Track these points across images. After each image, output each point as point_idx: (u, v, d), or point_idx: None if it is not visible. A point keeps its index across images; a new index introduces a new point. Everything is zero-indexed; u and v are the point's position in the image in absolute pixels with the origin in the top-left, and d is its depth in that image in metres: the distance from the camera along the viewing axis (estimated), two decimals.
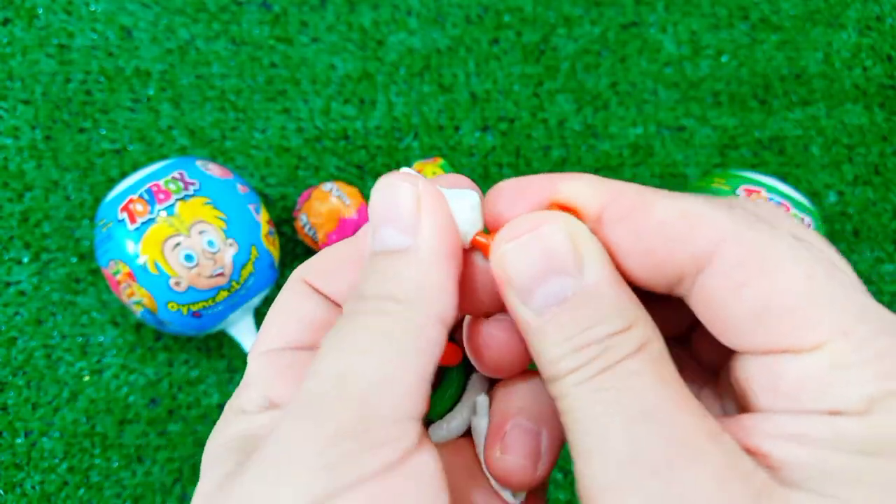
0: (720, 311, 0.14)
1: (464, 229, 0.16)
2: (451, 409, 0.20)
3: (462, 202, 0.16)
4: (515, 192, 0.16)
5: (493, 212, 0.16)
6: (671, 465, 0.12)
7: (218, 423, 0.17)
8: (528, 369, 0.20)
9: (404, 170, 0.16)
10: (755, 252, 0.14)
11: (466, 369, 0.20)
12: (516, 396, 0.19)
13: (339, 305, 0.19)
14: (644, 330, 0.14)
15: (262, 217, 0.45)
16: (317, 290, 0.18)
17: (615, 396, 0.13)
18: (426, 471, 0.14)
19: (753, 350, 0.14)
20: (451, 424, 0.19)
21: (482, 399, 0.20)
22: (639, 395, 0.13)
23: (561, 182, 0.16)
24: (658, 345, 0.14)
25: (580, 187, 0.16)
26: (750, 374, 0.14)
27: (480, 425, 0.19)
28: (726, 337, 0.14)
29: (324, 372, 0.14)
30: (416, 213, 0.15)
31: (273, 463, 0.13)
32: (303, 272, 0.19)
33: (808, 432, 0.13)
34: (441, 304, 0.15)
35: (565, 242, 0.15)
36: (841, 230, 0.55)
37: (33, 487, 0.46)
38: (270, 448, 0.14)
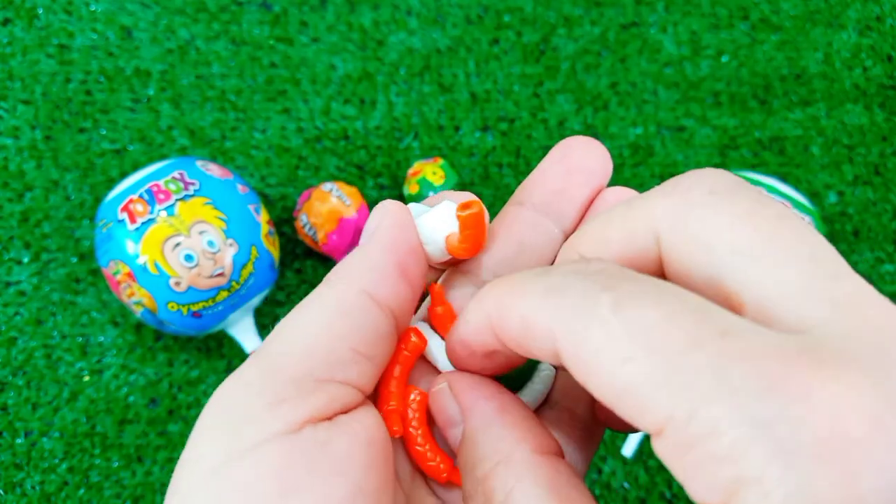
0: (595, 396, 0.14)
1: (429, 238, 0.18)
2: (524, 383, 0.20)
3: (431, 215, 0.18)
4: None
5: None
6: None
7: None
8: None
9: (412, 205, 0.19)
10: (578, 349, 0.13)
11: None
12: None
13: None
14: (514, 468, 0.15)
15: (262, 217, 0.45)
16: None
17: None
18: (359, 430, 0.16)
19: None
20: (526, 401, 0.19)
21: (546, 370, 0.20)
22: None
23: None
24: (529, 485, 0.15)
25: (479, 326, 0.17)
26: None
27: (541, 393, 0.20)
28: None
29: (267, 339, 0.17)
30: (376, 224, 0.18)
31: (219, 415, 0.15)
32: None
33: None
34: (366, 279, 0.17)
35: (448, 400, 0.17)
36: (841, 230, 0.55)
37: (33, 487, 0.46)
38: (212, 401, 0.16)
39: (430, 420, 0.19)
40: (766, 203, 0.14)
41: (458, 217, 0.17)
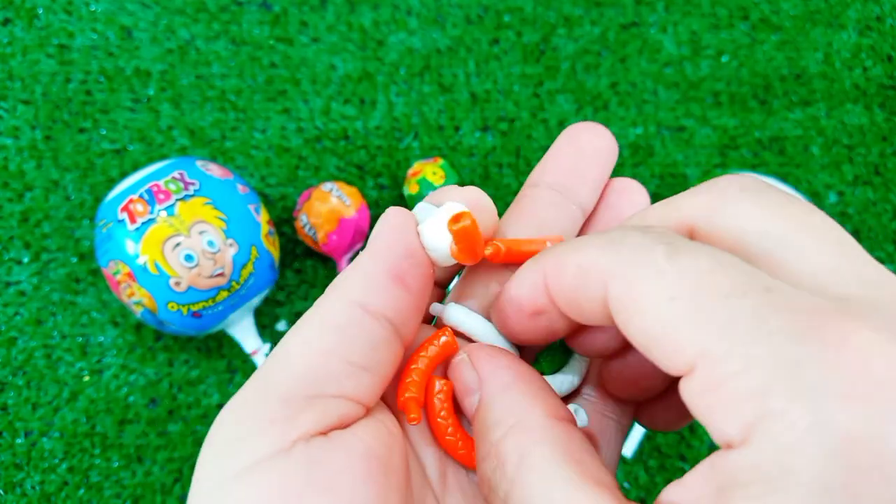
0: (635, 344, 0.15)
1: (431, 245, 0.18)
2: (558, 369, 0.20)
3: (430, 223, 0.18)
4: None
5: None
6: None
7: None
8: None
9: (419, 205, 0.19)
10: (628, 290, 0.14)
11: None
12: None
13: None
14: (528, 432, 0.15)
15: (262, 217, 0.45)
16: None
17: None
18: (358, 445, 0.16)
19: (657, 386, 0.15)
20: (555, 385, 0.20)
21: (579, 360, 0.20)
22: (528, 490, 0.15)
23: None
24: (544, 448, 0.15)
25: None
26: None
27: (572, 382, 0.20)
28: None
29: (271, 354, 0.17)
30: (374, 233, 0.18)
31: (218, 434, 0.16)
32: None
33: (698, 488, 0.13)
34: (356, 289, 0.17)
35: (467, 369, 0.18)
36: None
37: (33, 487, 0.46)
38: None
39: (458, 410, 0.19)
40: (795, 199, 0.15)
41: (450, 230, 0.17)
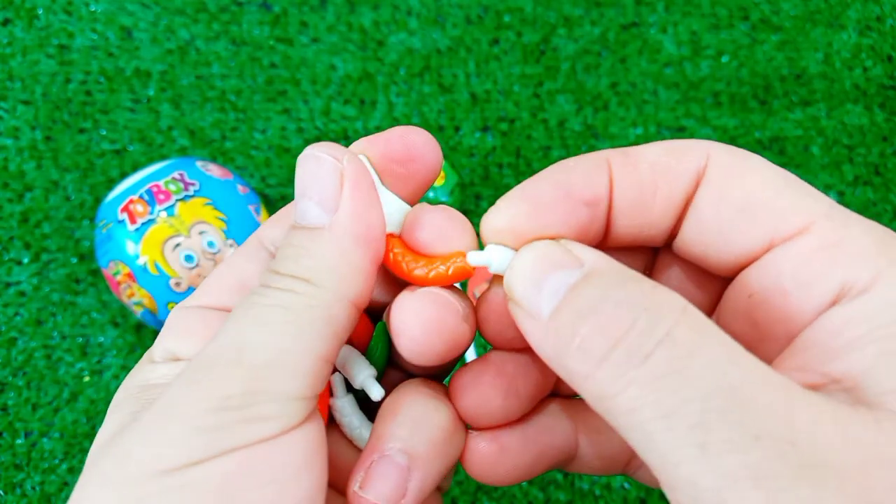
0: (709, 226, 0.15)
1: (392, 217, 0.16)
2: (385, 367, 0.19)
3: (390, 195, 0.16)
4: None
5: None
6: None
7: (132, 370, 0.17)
8: (429, 379, 0.19)
9: (354, 145, 0.17)
10: (732, 166, 0.15)
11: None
12: (402, 417, 0.17)
13: None
14: (672, 295, 0.13)
15: (263, 217, 0.45)
16: (271, 253, 0.18)
17: (685, 409, 0.12)
18: (302, 445, 0.14)
19: (749, 257, 0.15)
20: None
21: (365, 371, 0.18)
22: (707, 382, 0.12)
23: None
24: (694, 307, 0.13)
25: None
26: (754, 287, 0.15)
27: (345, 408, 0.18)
28: (718, 257, 0.15)
29: (224, 340, 0.14)
30: (338, 189, 0.15)
31: (156, 423, 0.14)
32: (259, 233, 0.18)
33: (852, 334, 0.13)
34: (351, 285, 0.15)
35: (555, 247, 0.15)
36: None
37: (33, 488, 0.46)
38: (157, 407, 0.14)
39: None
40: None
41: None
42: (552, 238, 0.15)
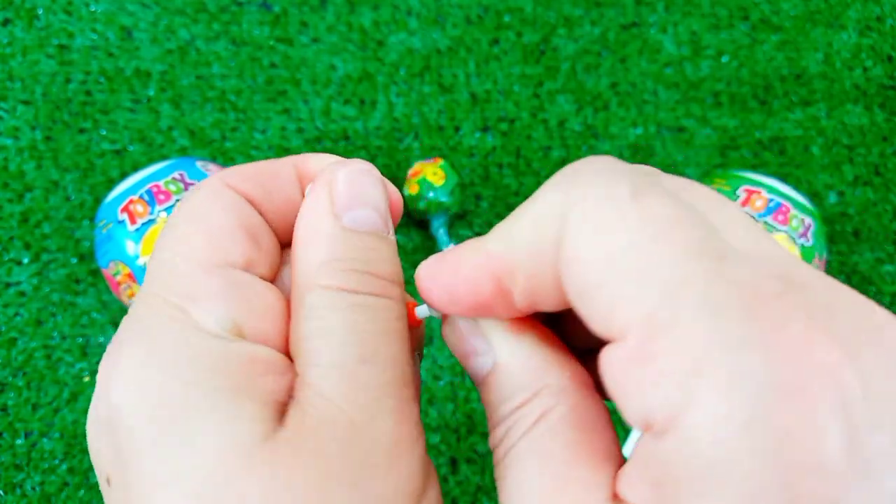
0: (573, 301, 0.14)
1: None
2: None
3: None
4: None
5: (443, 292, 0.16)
6: None
7: (149, 313, 0.15)
8: None
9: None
10: (581, 227, 0.13)
11: None
12: None
13: (266, 218, 0.17)
14: (546, 399, 0.15)
15: None
16: (248, 199, 0.17)
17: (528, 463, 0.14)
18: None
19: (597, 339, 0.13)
20: None
21: None
22: (545, 457, 0.14)
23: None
24: (560, 409, 0.15)
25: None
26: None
27: None
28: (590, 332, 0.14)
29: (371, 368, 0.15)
30: (388, 203, 0.17)
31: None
32: (228, 177, 0.17)
33: (634, 475, 0.12)
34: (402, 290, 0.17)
35: (473, 332, 0.16)
36: (841, 230, 0.55)
37: (33, 488, 0.46)
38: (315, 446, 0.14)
39: None
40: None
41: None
42: (474, 310, 0.16)
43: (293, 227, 0.17)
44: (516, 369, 0.15)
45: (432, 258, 0.16)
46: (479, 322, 0.16)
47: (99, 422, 0.14)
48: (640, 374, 0.11)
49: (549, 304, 0.14)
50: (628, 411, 0.12)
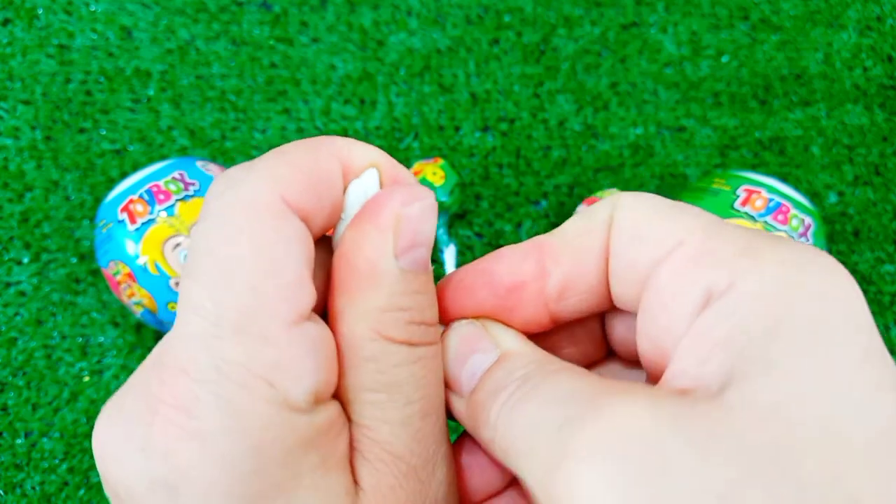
0: (617, 263, 0.16)
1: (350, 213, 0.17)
2: None
3: (358, 190, 0.17)
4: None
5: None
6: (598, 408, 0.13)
7: (234, 387, 0.14)
8: None
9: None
10: (629, 206, 0.15)
11: None
12: None
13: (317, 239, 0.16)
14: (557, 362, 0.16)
15: None
16: (304, 219, 0.15)
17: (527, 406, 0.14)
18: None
19: (644, 282, 0.15)
20: None
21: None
22: (544, 393, 0.14)
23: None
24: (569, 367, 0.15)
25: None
26: (642, 305, 0.15)
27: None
28: (627, 290, 0.16)
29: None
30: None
31: None
32: (286, 191, 0.15)
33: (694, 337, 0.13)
34: None
35: (476, 329, 0.17)
36: (841, 230, 0.55)
37: (33, 488, 0.46)
38: None
39: None
40: None
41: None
42: (477, 317, 0.17)
43: (329, 224, 0.16)
44: (524, 351, 0.16)
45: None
46: (486, 324, 0.17)
47: (149, 476, 0.13)
48: (697, 262, 0.14)
49: (580, 296, 0.16)
50: (687, 297, 0.14)
